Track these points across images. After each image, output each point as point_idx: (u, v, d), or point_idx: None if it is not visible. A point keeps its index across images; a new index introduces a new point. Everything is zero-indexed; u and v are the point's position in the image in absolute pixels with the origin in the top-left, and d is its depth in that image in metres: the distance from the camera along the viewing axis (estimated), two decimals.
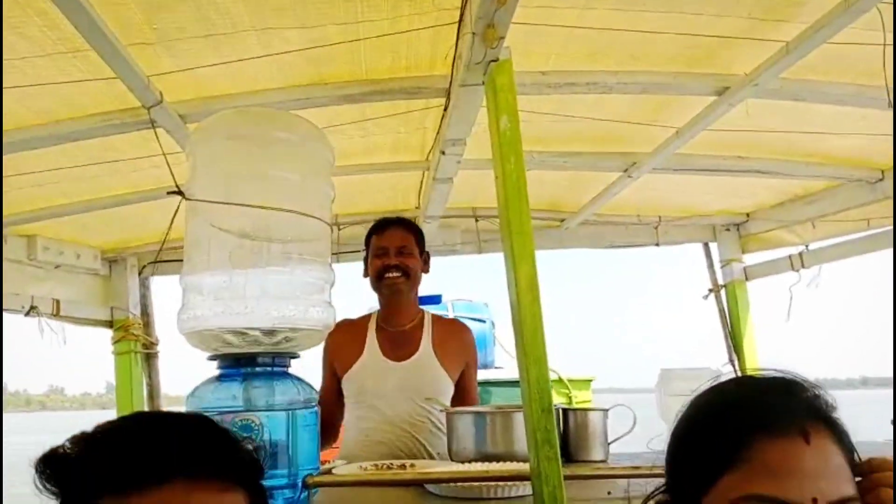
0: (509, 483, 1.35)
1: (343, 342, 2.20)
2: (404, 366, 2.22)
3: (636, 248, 3.15)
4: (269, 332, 1.39)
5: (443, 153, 1.98)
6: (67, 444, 0.68)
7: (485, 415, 1.75)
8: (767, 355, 3.00)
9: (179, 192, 1.47)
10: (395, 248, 2.21)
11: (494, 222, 3.13)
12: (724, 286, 3.05)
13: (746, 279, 2.99)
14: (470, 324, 2.57)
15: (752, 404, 0.77)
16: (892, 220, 2.32)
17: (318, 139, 1.54)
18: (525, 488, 1.35)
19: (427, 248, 2.89)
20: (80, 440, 0.68)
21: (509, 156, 1.37)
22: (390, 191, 2.80)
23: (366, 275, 2.29)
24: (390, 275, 2.20)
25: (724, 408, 0.80)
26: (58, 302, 2.46)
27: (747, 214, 2.98)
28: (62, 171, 1.98)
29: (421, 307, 2.39)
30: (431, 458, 2.18)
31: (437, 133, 2.05)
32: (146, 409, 2.87)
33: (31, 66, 1.41)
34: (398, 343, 2.26)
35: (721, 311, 3.05)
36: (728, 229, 3.05)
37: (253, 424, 1.31)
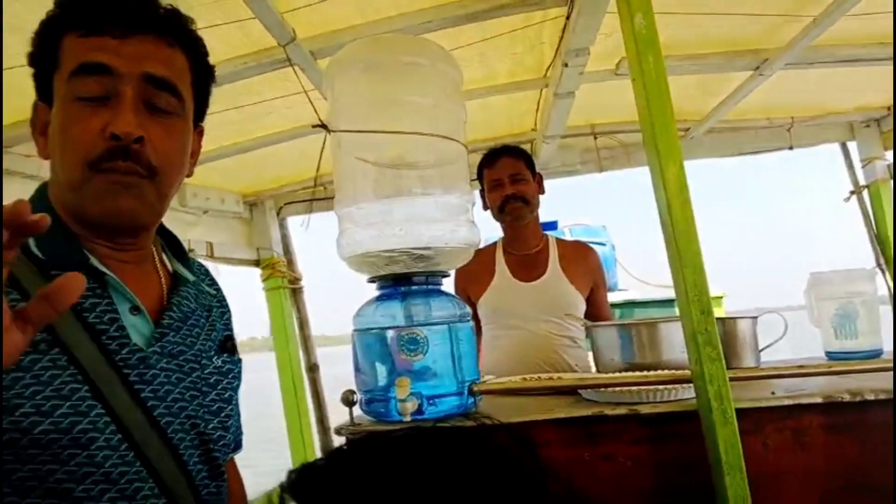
0: (670, 387, 1.37)
1: (474, 270, 2.27)
2: (535, 285, 2.31)
3: (767, 153, 2.99)
4: (422, 253, 1.45)
5: (565, 65, 1.95)
6: None
7: (631, 326, 1.76)
8: None
9: (323, 126, 1.53)
10: (508, 177, 2.29)
11: (614, 139, 3.07)
12: (867, 187, 2.86)
13: (892, 177, 2.80)
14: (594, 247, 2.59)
15: None
16: None
17: (446, 60, 1.55)
18: (685, 392, 1.36)
19: (546, 170, 2.90)
20: None
21: (647, 55, 1.34)
22: (506, 115, 2.79)
23: (485, 208, 2.37)
24: (511, 205, 2.26)
25: None
26: (211, 244, 2.65)
27: (888, 108, 2.76)
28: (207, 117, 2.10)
29: (546, 232, 2.45)
30: (572, 370, 2.25)
31: (558, 46, 2.01)
32: (298, 338, 3.08)
33: None
34: (527, 265, 2.34)
35: (865, 213, 2.88)
36: (868, 126, 2.84)
37: (418, 338, 1.39)
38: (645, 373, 1.53)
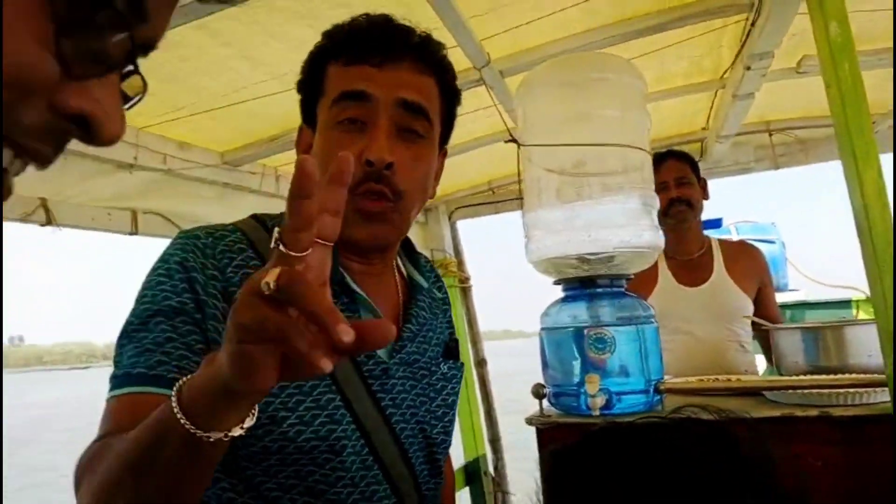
0: (862, 390, 1.37)
1: (636, 276, 2.33)
2: (701, 290, 2.31)
3: None
4: (607, 257, 1.55)
5: (747, 69, 1.96)
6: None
7: (817, 329, 1.75)
8: None
9: (514, 140, 1.67)
10: (674, 181, 2.30)
11: (791, 135, 2.97)
12: None
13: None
14: (757, 245, 2.55)
15: None
16: None
17: (631, 73, 1.63)
18: (878, 395, 1.36)
19: (718, 169, 2.88)
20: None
21: (842, 62, 1.34)
22: (678, 114, 2.80)
23: None
24: (675, 208, 2.27)
25: None
26: None
27: None
28: None
29: (705, 234, 2.43)
30: (741, 374, 2.23)
31: (740, 49, 2.01)
32: (468, 337, 3.25)
33: None
34: (690, 270, 2.34)
35: None
36: None
37: (605, 337, 1.49)
38: (835, 376, 1.53)
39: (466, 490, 2.86)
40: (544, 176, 1.64)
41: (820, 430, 1.34)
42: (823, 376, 1.52)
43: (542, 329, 1.61)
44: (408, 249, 1.13)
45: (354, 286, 0.94)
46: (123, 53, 0.38)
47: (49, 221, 1.55)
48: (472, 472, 2.92)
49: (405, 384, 0.96)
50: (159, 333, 0.82)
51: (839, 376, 1.50)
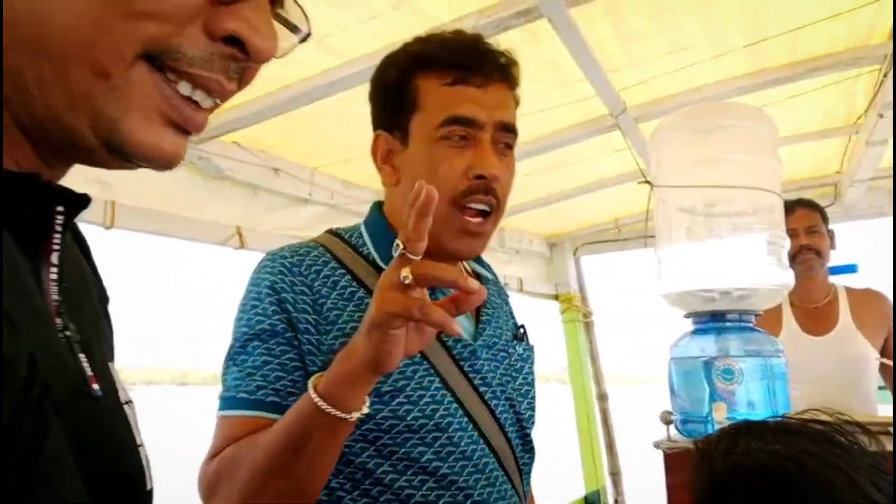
0: None
1: (759, 323, 2.37)
2: (827, 339, 2.32)
3: None
4: (736, 292, 1.65)
5: (880, 116, 2.01)
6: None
7: None
8: None
9: (648, 182, 1.81)
10: (804, 229, 2.33)
11: None
12: None
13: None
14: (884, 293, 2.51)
15: None
16: None
17: (762, 121, 1.74)
18: None
19: (853, 212, 2.87)
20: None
21: None
22: (812, 160, 2.82)
23: None
24: (803, 255, 2.31)
25: None
26: (521, 280, 3.05)
27: None
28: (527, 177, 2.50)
29: (832, 282, 2.45)
30: None
31: (873, 97, 2.06)
32: (590, 372, 3.35)
33: (531, 100, 1.88)
34: (816, 318, 2.36)
35: None
36: None
37: (733, 368, 1.58)
38: None
39: None
40: (675, 215, 1.76)
41: None
42: None
43: (672, 359, 1.72)
44: None
45: None
46: None
47: (242, 245, 1.84)
48: (592, 503, 3.00)
49: (491, 364, 1.02)
50: (257, 357, 0.90)
51: None
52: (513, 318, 1.20)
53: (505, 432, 1.01)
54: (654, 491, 1.90)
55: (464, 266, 1.12)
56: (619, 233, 3.32)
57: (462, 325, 1.00)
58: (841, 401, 2.28)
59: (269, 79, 1.57)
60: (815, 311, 2.37)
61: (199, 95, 0.43)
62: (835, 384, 2.28)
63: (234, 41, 0.42)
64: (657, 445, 1.69)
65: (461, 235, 0.95)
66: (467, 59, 0.95)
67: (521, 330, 1.18)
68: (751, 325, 1.68)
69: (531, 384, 1.14)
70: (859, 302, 2.36)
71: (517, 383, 1.09)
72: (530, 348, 1.17)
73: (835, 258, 2.60)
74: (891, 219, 3.10)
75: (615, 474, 3.24)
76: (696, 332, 1.71)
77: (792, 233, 2.37)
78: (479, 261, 1.15)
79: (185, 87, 0.42)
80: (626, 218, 3.21)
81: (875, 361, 2.28)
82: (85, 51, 0.39)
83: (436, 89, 0.95)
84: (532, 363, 1.16)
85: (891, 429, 1.61)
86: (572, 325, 3.30)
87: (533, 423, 1.12)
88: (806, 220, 2.35)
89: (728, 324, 1.67)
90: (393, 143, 0.98)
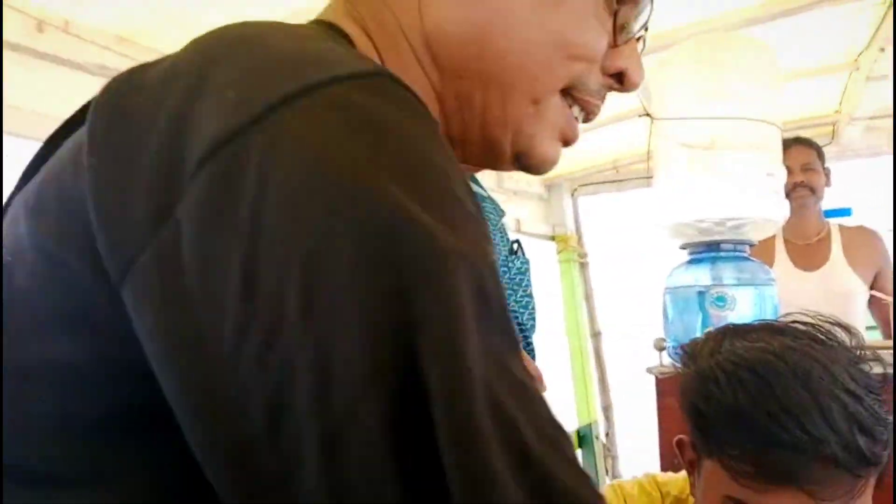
0: None
1: (754, 255, 2.42)
2: (818, 274, 2.37)
3: None
4: (730, 222, 1.67)
5: (881, 50, 2.00)
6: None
7: None
8: None
9: (648, 115, 1.81)
10: (800, 166, 2.36)
11: None
12: None
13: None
14: (888, 236, 2.54)
15: None
16: None
17: (762, 52, 1.74)
18: None
19: (850, 152, 2.89)
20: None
21: None
22: (812, 99, 2.81)
23: None
24: (797, 192, 2.33)
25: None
26: (518, 220, 3.07)
27: None
28: None
29: (826, 219, 2.47)
30: None
31: (875, 32, 2.05)
32: (584, 307, 3.41)
33: None
34: (807, 254, 2.40)
35: None
36: None
37: (726, 296, 1.62)
38: None
39: (578, 452, 3.03)
40: (675, 150, 1.78)
41: None
42: None
43: (667, 288, 1.76)
44: None
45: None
46: (639, 24, 0.52)
47: None
48: (584, 437, 3.09)
49: None
50: None
51: None
52: (506, 234, 1.23)
53: None
54: (644, 421, 1.97)
55: None
56: (617, 173, 3.33)
57: None
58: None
59: None
60: (807, 247, 2.41)
61: (579, 115, 0.53)
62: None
63: (619, 76, 0.52)
64: (650, 371, 1.75)
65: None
66: None
67: (516, 244, 1.21)
68: (745, 254, 1.72)
69: (531, 295, 1.18)
70: (851, 239, 2.40)
71: (518, 296, 1.13)
72: (527, 261, 1.20)
73: (830, 197, 2.63)
74: (890, 157, 3.12)
75: (607, 408, 3.33)
76: (691, 262, 1.75)
77: (788, 170, 2.39)
78: (473, 179, 1.15)
79: (576, 111, 0.52)
80: (625, 159, 3.21)
81: (864, 296, 2.33)
82: (530, 83, 0.48)
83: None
84: (529, 275, 1.20)
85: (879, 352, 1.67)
86: (568, 266, 3.33)
87: (534, 329, 1.17)
88: (802, 157, 2.38)
89: (722, 253, 1.70)
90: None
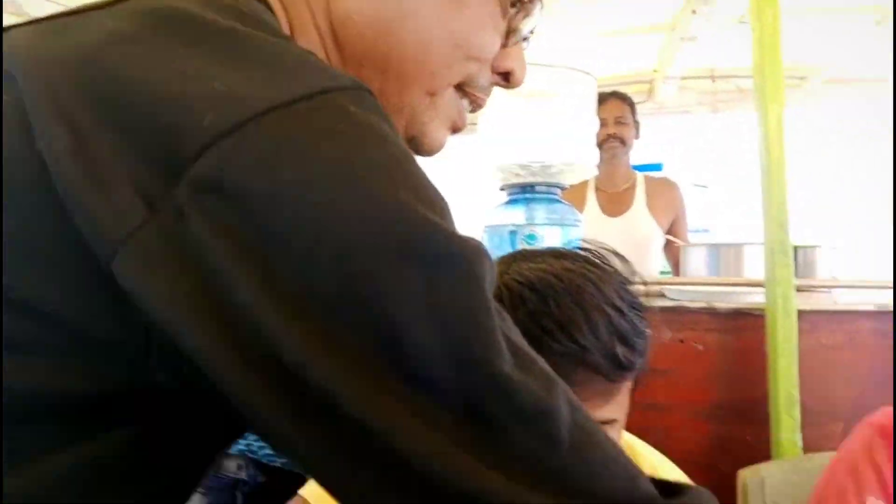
0: (739, 289, 1.65)
1: (569, 200, 2.59)
2: (621, 220, 2.61)
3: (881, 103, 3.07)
4: (546, 165, 1.77)
5: (693, 12, 2.17)
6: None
7: (717, 246, 2.03)
8: None
9: None
10: (613, 119, 2.54)
11: (730, 82, 3.22)
12: None
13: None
14: (694, 189, 2.83)
15: None
16: None
17: (584, 7, 1.83)
18: (752, 296, 1.64)
19: (663, 109, 3.13)
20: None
21: (766, 11, 1.57)
22: (631, 58, 3.00)
23: None
24: (609, 143, 2.52)
25: None
26: None
27: None
28: None
29: (635, 170, 2.70)
30: None
31: None
32: None
33: None
34: (615, 201, 2.64)
35: None
36: None
37: (536, 234, 1.73)
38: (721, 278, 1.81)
39: None
40: (498, 95, 1.84)
41: (703, 320, 1.61)
42: (713, 277, 1.80)
43: (485, 226, 1.84)
44: None
45: None
46: (528, 28, 0.58)
47: None
48: None
49: None
50: None
51: (724, 278, 1.78)
52: None
53: None
54: None
55: None
56: None
57: None
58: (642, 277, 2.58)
59: None
60: (615, 194, 2.63)
61: (468, 107, 0.59)
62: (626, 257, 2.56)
63: (506, 75, 0.58)
64: None
65: None
66: None
67: None
68: (556, 197, 1.83)
69: None
70: (653, 189, 2.64)
71: None
72: None
73: (644, 152, 2.85)
74: (700, 115, 3.43)
75: None
76: (508, 202, 1.84)
77: (602, 122, 2.56)
78: None
79: (465, 104, 0.58)
80: None
81: (660, 241, 2.57)
82: (429, 78, 0.53)
83: None
84: None
85: (664, 287, 1.86)
86: None
87: None
88: (615, 110, 2.55)
89: (537, 195, 1.80)
90: None
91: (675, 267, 2.54)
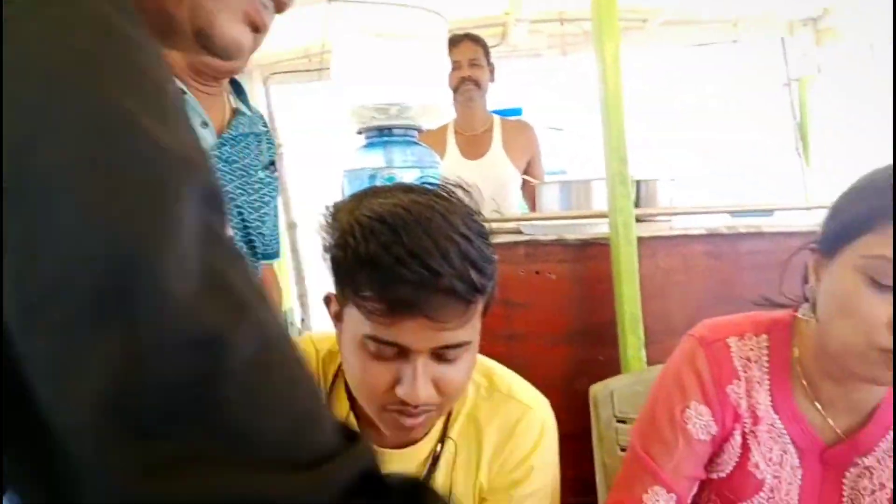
0: (591, 220, 1.75)
1: (429, 143, 2.62)
2: (480, 162, 2.67)
3: (716, 45, 3.30)
4: (402, 108, 1.78)
5: None
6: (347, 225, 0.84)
7: (569, 183, 2.14)
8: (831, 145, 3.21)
9: None
10: (467, 61, 2.57)
11: (579, 25, 3.33)
12: (797, 80, 3.21)
13: (819, 71, 3.15)
14: (550, 132, 2.94)
15: None
16: None
17: None
18: (598, 227, 1.75)
19: (515, 52, 3.19)
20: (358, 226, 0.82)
21: None
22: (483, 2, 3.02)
23: None
24: (464, 86, 2.55)
25: (881, 180, 0.87)
26: None
27: (824, 9, 3.07)
28: None
29: (492, 113, 2.75)
30: None
31: None
32: (280, 202, 3.39)
33: None
34: (473, 144, 2.69)
35: (792, 104, 3.24)
36: (805, 24, 3.15)
37: (395, 177, 1.73)
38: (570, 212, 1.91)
39: None
40: (350, 36, 1.81)
41: (555, 252, 1.71)
42: (562, 212, 1.90)
43: (344, 171, 1.82)
44: (238, 89, 1.37)
45: (182, 86, 1.16)
46: None
47: None
48: None
49: (224, 177, 1.22)
50: None
51: (572, 212, 1.89)
52: (268, 153, 1.38)
53: None
54: None
55: (229, 103, 1.30)
56: (309, 62, 3.29)
57: (203, 138, 1.15)
58: (491, 215, 2.67)
59: None
60: (473, 137, 2.68)
61: (269, 4, 0.55)
62: (488, 202, 2.63)
63: None
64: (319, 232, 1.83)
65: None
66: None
67: (272, 165, 1.39)
68: (414, 139, 1.84)
69: (267, 203, 1.36)
70: (510, 131, 2.70)
71: (251, 199, 1.29)
72: (273, 178, 1.37)
73: (503, 96, 2.90)
74: (554, 57, 3.52)
75: (302, 296, 3.43)
76: (366, 146, 1.83)
77: (456, 65, 2.59)
78: (247, 103, 1.34)
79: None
80: (316, 48, 3.18)
81: (517, 182, 2.67)
82: None
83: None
84: (273, 189, 1.38)
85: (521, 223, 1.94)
86: None
87: (262, 234, 1.35)
88: (469, 52, 2.58)
89: (395, 138, 1.80)
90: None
91: (533, 205, 2.65)
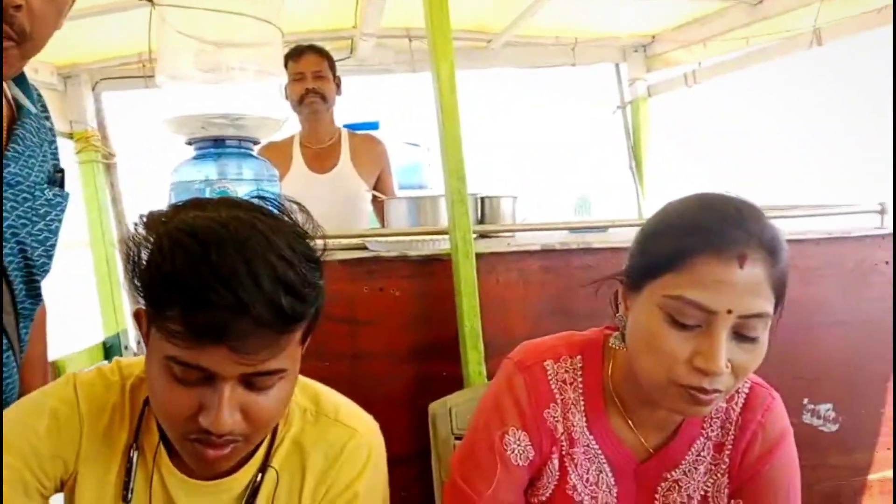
0: (433, 237, 1.75)
1: (272, 159, 2.55)
2: (328, 176, 2.61)
3: (554, 67, 3.45)
4: (235, 119, 1.69)
5: None
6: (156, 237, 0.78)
7: (416, 199, 2.14)
8: (663, 164, 3.46)
9: (150, 1, 1.69)
10: (311, 73, 2.52)
11: (425, 42, 3.36)
12: (630, 103, 3.42)
13: (649, 95, 3.37)
14: (406, 148, 2.95)
15: (706, 225, 0.85)
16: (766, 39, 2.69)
17: None
18: (440, 243, 1.76)
19: (364, 67, 3.17)
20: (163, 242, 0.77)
21: None
22: (329, 9, 2.98)
23: (286, 97, 2.59)
24: (309, 98, 2.51)
25: (683, 220, 0.90)
26: None
27: (653, 37, 3.30)
28: None
29: (340, 127, 2.73)
30: None
31: None
32: (111, 211, 3.15)
33: None
34: (321, 158, 2.64)
35: (626, 125, 3.46)
36: (636, 50, 3.37)
37: (228, 191, 1.65)
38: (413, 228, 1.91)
39: (105, 362, 2.86)
40: (181, 41, 1.70)
41: (399, 268, 1.69)
42: (405, 228, 1.89)
43: (171, 184, 1.71)
44: (17, 77, 1.13)
45: None
46: None
47: None
48: (112, 346, 2.92)
49: (6, 205, 1.02)
50: None
51: (413, 228, 1.89)
52: (55, 160, 1.15)
53: (6, 275, 0.99)
54: None
55: (6, 92, 1.06)
56: (143, 68, 3.09)
57: None
58: (339, 230, 2.61)
59: None
60: (320, 150, 2.62)
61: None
62: (336, 217, 2.58)
63: None
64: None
65: None
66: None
67: (60, 175, 1.14)
68: (249, 152, 1.76)
69: (54, 232, 1.12)
70: (358, 144, 2.68)
71: (35, 228, 1.07)
72: (63, 196, 1.13)
73: (354, 108, 2.85)
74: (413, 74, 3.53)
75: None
76: (196, 157, 1.73)
77: (299, 76, 2.53)
78: (28, 92, 1.09)
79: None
80: (147, 52, 2.99)
81: (367, 196, 2.64)
82: None
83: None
84: (62, 210, 1.14)
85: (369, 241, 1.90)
86: (89, 167, 3.02)
87: (46, 271, 1.11)
88: (313, 64, 2.53)
89: (228, 150, 1.72)
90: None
91: (381, 219, 2.63)
